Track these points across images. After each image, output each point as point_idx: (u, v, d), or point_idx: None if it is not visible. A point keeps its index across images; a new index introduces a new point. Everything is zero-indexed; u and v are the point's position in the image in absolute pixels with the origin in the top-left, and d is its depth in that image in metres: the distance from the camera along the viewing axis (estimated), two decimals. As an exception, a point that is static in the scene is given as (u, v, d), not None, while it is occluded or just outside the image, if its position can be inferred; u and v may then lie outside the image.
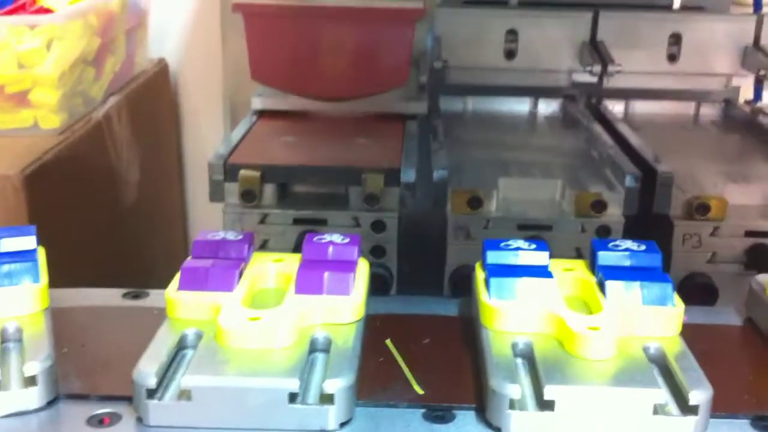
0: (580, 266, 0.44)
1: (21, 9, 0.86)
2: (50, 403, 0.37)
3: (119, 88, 0.95)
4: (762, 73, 0.76)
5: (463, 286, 0.56)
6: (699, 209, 0.57)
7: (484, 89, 0.79)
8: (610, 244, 0.43)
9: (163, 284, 0.42)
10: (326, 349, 0.39)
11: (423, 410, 0.37)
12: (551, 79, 0.79)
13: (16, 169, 0.72)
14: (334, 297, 0.40)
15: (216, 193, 0.58)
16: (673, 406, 0.36)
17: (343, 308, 0.40)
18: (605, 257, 0.43)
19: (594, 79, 0.76)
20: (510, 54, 0.79)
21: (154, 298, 0.48)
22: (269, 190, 0.58)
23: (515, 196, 0.60)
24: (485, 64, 0.79)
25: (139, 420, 0.36)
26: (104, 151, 0.92)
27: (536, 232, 0.58)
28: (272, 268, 0.44)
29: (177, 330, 0.39)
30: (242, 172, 0.58)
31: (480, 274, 0.43)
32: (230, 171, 0.58)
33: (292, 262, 0.44)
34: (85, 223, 0.85)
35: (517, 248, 0.43)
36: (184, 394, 0.36)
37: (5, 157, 0.75)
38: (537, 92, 0.80)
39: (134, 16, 0.96)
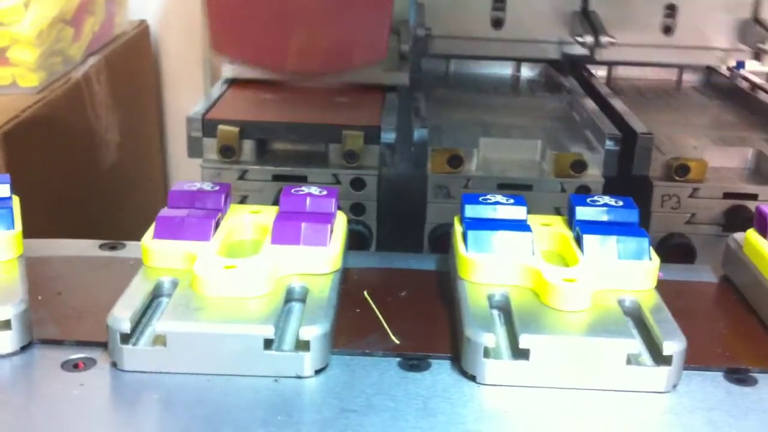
0: (558, 221, 0.44)
1: (-1, -34, 0.85)
2: (24, 348, 0.37)
3: (99, 48, 0.94)
4: (761, 46, 0.74)
5: (442, 245, 0.56)
6: (678, 171, 0.57)
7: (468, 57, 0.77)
8: (588, 200, 0.43)
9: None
10: (302, 299, 0.39)
11: (398, 359, 0.37)
12: (540, 51, 0.78)
13: None
14: (311, 248, 0.40)
15: (194, 149, 0.58)
16: (646, 357, 0.36)
17: (320, 259, 0.40)
18: (583, 212, 0.43)
19: (585, 51, 0.74)
20: (497, 23, 0.77)
21: (130, 249, 0.48)
22: (248, 147, 0.58)
23: (496, 156, 0.60)
24: (471, 32, 0.77)
25: (114, 365, 0.36)
26: (83, 111, 0.91)
27: (516, 192, 0.57)
28: (249, 219, 0.43)
29: (152, 278, 0.39)
30: (221, 128, 0.57)
31: (458, 228, 0.42)
32: (208, 126, 0.57)
33: (269, 213, 0.43)
34: (64, 182, 0.85)
35: (496, 202, 0.43)
36: (159, 340, 0.36)
37: None
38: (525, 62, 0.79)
39: (114, -23, 0.96)
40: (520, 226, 0.41)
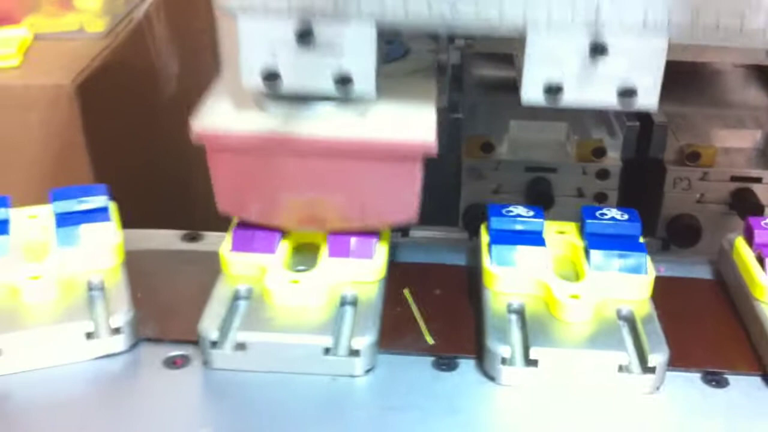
0: (572, 229, 0.52)
1: None
2: (132, 347, 0.46)
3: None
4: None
5: (474, 222, 0.63)
6: (690, 157, 0.64)
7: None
8: (598, 213, 0.50)
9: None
10: (354, 303, 0.47)
11: (432, 359, 0.46)
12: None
13: (68, 78, 0.75)
14: (360, 260, 0.48)
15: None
16: (635, 365, 0.44)
17: (367, 270, 0.48)
18: (592, 226, 0.50)
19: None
20: None
21: (208, 240, 0.56)
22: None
23: (524, 137, 0.66)
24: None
25: (205, 363, 0.45)
26: (147, 52, 0.96)
27: (542, 174, 0.64)
28: (306, 233, 0.51)
29: (231, 286, 0.48)
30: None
31: (484, 238, 0.50)
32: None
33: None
34: (130, 126, 0.90)
35: (517, 215, 0.50)
36: (240, 346, 0.44)
37: (54, 64, 0.77)
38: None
39: None
40: (538, 240, 0.49)
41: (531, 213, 0.51)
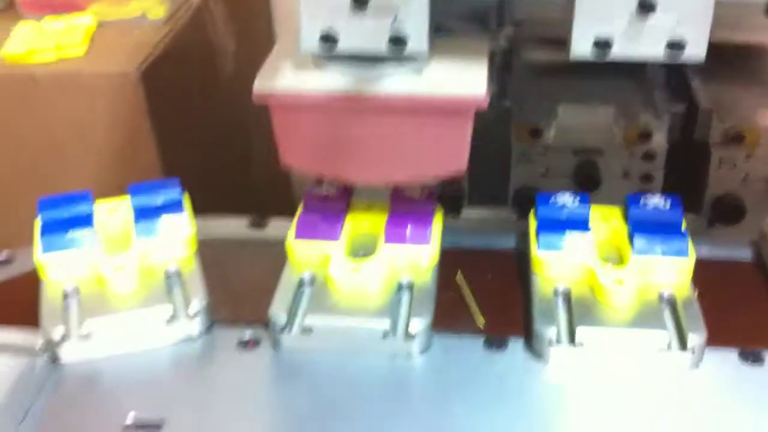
0: (615, 215, 0.54)
1: None
2: (207, 330, 0.51)
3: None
4: None
5: (523, 204, 0.66)
6: (734, 138, 0.65)
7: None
8: (641, 200, 0.53)
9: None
10: (410, 288, 0.51)
11: (483, 340, 0.49)
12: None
13: (133, 66, 0.78)
14: (416, 246, 0.52)
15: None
16: (675, 344, 0.47)
17: (423, 255, 0.52)
18: (635, 213, 0.52)
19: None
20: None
21: (273, 226, 0.60)
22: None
23: (572, 122, 0.68)
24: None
25: (275, 345, 0.49)
26: (205, 35, 0.99)
27: (589, 157, 0.67)
28: (365, 219, 0.55)
29: (297, 273, 0.52)
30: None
31: (533, 224, 0.53)
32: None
33: (382, 211, 0.55)
34: (192, 108, 0.93)
35: (563, 205, 0.53)
36: (306, 330, 0.48)
37: (119, 52, 0.81)
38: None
39: None
40: (583, 226, 0.52)
41: (577, 200, 0.53)
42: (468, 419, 0.44)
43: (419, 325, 0.48)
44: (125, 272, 0.50)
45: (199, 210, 0.57)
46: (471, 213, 0.70)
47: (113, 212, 0.55)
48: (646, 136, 0.66)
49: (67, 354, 0.49)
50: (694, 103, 0.66)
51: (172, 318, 0.49)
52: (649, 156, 0.66)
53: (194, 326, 0.50)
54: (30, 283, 0.52)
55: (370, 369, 0.48)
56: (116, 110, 0.84)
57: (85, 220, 0.53)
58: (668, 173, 0.67)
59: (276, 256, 0.53)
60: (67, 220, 0.53)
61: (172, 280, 0.52)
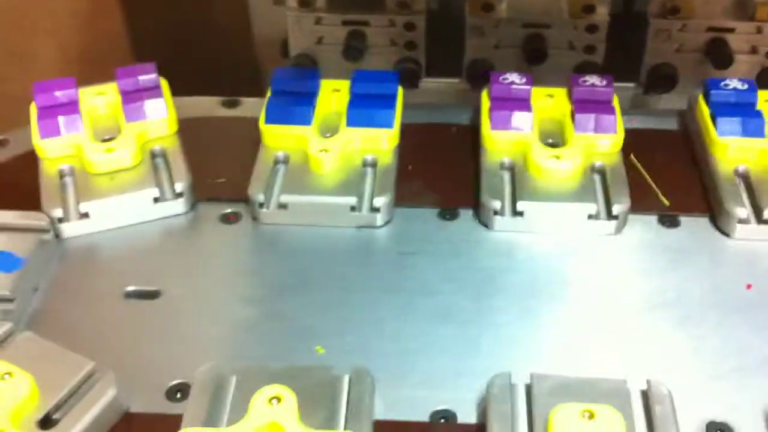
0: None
1: None
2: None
3: None
4: None
5: (477, 75, 0.72)
6: (671, 10, 0.71)
7: None
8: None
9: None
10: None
11: (438, 211, 0.56)
12: None
13: None
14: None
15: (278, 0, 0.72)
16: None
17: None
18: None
19: None
20: None
21: (246, 107, 0.65)
22: (321, -3, 0.72)
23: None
24: None
25: (254, 219, 0.56)
26: None
27: (537, 30, 0.72)
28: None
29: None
30: (299, -16, 0.71)
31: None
32: (289, -18, 0.71)
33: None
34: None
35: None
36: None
37: None
38: None
39: None
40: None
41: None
42: (424, 276, 0.52)
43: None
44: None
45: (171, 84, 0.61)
46: (428, 84, 0.75)
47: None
48: (589, 9, 0.71)
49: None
50: (636, -25, 0.71)
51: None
52: (593, 28, 0.71)
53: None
54: (25, 165, 0.58)
55: (340, 238, 0.54)
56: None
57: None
58: (610, 44, 0.72)
59: (252, 135, 0.59)
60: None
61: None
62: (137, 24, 0.97)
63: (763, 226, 0.53)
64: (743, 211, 0.53)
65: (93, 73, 0.64)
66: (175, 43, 0.99)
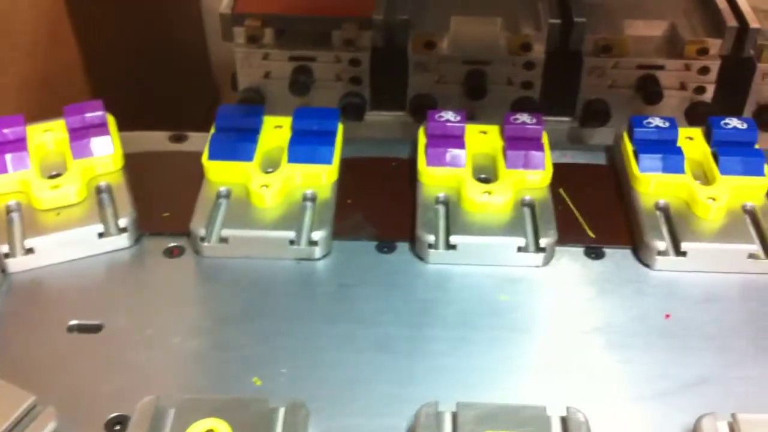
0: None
1: None
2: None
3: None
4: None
5: (420, 109, 0.74)
6: (604, 49, 0.74)
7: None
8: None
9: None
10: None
11: (376, 244, 0.58)
12: None
13: None
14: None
15: (227, 36, 0.75)
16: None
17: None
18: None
19: None
20: None
21: (192, 141, 0.67)
22: (269, 34, 0.74)
23: (464, 32, 0.76)
24: None
25: (197, 252, 0.57)
26: None
27: (479, 66, 0.75)
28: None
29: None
30: (247, 21, 0.73)
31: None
32: (237, 19, 0.74)
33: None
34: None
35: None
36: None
37: None
38: None
39: None
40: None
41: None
42: (363, 307, 0.54)
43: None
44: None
45: (120, 114, 0.63)
46: (374, 117, 0.78)
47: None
48: (527, 46, 0.74)
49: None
50: (570, 16, 0.74)
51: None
52: (530, 65, 0.74)
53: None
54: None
55: (280, 271, 0.56)
56: (37, 4, 0.89)
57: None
58: (546, 81, 0.75)
59: (197, 166, 0.61)
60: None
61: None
62: (96, 54, 0.99)
63: (680, 258, 0.56)
64: (662, 243, 0.56)
65: (52, 102, 0.65)
66: (135, 73, 1.01)
